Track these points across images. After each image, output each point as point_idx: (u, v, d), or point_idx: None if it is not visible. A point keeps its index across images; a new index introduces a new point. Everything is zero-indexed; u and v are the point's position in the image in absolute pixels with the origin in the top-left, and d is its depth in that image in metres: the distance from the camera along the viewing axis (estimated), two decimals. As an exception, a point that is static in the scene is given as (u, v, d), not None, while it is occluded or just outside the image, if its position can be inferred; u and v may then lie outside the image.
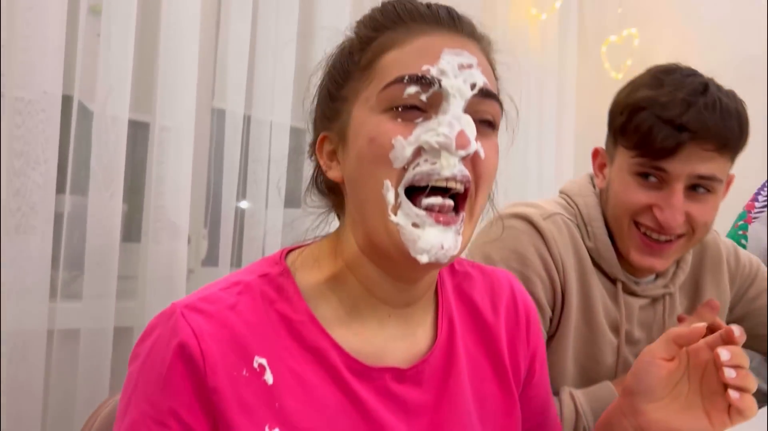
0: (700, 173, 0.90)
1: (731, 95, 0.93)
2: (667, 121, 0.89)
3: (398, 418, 0.63)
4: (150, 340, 0.60)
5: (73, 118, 1.17)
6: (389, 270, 0.64)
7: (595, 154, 1.05)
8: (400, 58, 0.60)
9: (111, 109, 1.18)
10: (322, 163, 0.66)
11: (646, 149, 0.91)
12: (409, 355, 0.66)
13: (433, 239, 0.58)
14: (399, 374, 0.64)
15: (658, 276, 1.06)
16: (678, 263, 1.06)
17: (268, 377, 0.59)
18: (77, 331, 1.15)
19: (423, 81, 0.58)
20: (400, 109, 0.58)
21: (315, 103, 0.69)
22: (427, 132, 0.58)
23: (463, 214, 0.61)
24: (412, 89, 0.58)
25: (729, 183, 0.98)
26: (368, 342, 0.64)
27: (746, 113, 0.93)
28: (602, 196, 1.03)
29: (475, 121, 0.60)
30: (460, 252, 0.61)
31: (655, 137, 0.89)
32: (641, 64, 2.21)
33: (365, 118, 0.60)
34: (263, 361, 0.59)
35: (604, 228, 1.01)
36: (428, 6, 0.65)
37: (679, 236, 0.95)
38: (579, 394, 0.95)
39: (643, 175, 0.93)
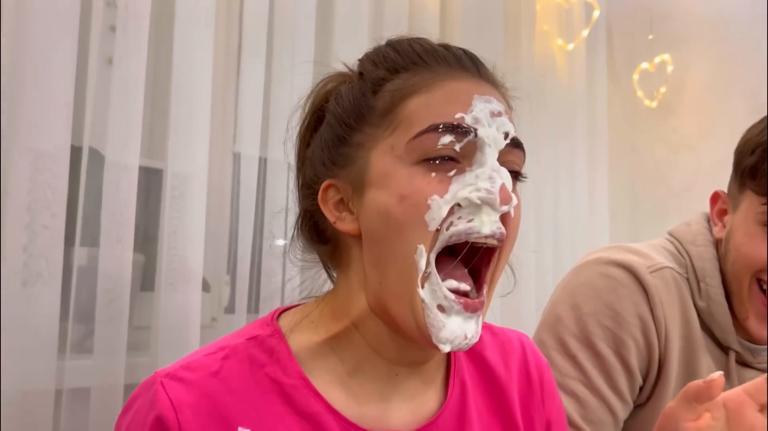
0: None
1: None
2: None
3: None
4: (131, 412, 0.57)
5: (83, 168, 1.15)
6: (401, 334, 0.59)
7: (715, 198, 0.92)
8: (429, 105, 0.57)
9: (122, 157, 1.15)
10: (327, 212, 0.61)
11: None
12: (417, 417, 0.61)
13: (457, 329, 0.55)
14: None
15: None
16: None
17: None
18: (87, 390, 1.11)
19: (459, 130, 0.55)
20: (437, 162, 0.55)
21: (309, 146, 0.65)
22: (465, 187, 0.55)
23: (485, 290, 0.57)
24: (446, 139, 0.55)
25: None
26: (370, 404, 0.60)
27: None
28: (720, 248, 0.90)
29: None
30: None
31: None
32: (676, 92, 2.20)
33: (392, 169, 0.56)
34: None
35: (720, 286, 0.88)
36: (447, 48, 0.62)
37: None
38: None
39: None
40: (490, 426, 0.65)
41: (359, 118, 0.60)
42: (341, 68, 0.68)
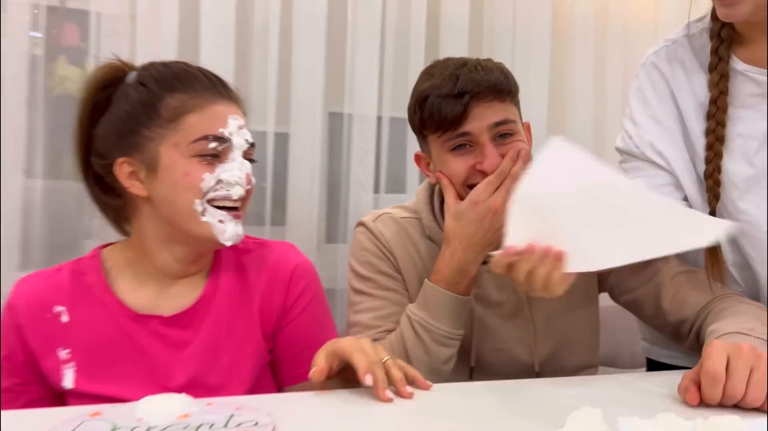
0: (494, 121, 1.05)
1: (488, 60, 1.11)
2: (447, 96, 1.05)
3: (164, 350, 0.93)
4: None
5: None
6: (192, 249, 0.95)
7: (417, 159, 1.18)
8: (202, 121, 0.91)
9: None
10: (123, 179, 0.92)
11: (445, 125, 1.05)
12: (178, 307, 0.95)
13: (233, 230, 0.92)
14: (163, 320, 0.94)
15: None
16: None
17: (64, 317, 0.92)
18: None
19: (222, 140, 0.90)
20: (208, 157, 0.90)
21: (96, 125, 0.92)
22: (225, 172, 0.91)
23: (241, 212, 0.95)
24: (213, 144, 0.90)
25: (528, 129, 1.13)
26: (147, 300, 0.95)
27: (505, 67, 1.10)
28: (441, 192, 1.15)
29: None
30: None
31: (447, 112, 1.04)
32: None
33: (178, 159, 0.90)
34: (62, 308, 0.93)
35: (431, 216, 1.16)
36: (206, 76, 0.94)
37: None
38: (412, 307, 1.09)
39: (458, 148, 1.07)
40: (233, 312, 0.97)
41: (149, 119, 0.90)
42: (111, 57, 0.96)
